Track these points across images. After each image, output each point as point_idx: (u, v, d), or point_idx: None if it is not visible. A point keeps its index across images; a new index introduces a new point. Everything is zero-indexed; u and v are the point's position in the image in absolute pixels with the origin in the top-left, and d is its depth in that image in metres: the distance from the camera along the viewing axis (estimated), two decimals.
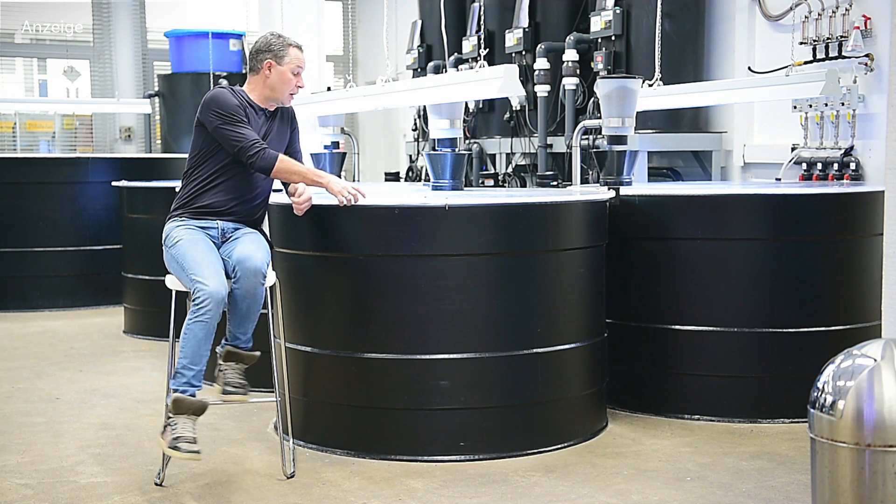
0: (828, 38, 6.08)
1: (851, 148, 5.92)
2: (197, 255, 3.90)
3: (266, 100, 4.18)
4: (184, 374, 3.80)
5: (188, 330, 3.79)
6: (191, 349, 3.79)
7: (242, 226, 4.12)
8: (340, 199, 4.09)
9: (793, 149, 6.35)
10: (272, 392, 4.17)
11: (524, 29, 8.13)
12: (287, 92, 4.17)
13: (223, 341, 4.11)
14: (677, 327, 4.88)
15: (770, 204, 4.90)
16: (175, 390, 3.80)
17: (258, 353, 4.13)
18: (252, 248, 3.95)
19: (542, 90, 7.73)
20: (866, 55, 5.81)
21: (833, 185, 5.70)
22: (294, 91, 4.19)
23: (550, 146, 7.83)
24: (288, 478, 3.99)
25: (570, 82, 7.46)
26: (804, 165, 6.24)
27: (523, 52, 8.15)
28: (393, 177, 10.42)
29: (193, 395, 3.82)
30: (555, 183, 7.10)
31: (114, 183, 7.82)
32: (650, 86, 5.96)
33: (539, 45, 7.83)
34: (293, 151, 4.29)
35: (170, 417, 3.80)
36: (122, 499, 3.79)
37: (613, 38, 7.19)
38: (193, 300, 3.80)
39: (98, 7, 11.50)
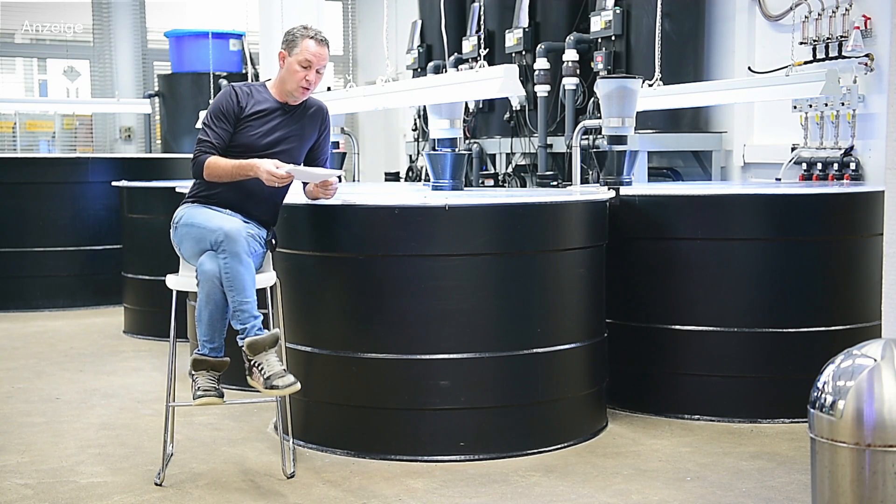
0: (828, 38, 6.08)
1: (851, 148, 5.92)
2: (208, 212, 3.98)
3: (282, 94, 4.13)
4: (244, 311, 3.79)
5: (227, 271, 3.78)
6: (238, 285, 3.78)
7: (251, 223, 4.07)
8: (270, 184, 3.93)
9: (793, 149, 6.35)
10: None
11: (524, 29, 8.13)
12: (296, 84, 4.07)
13: (194, 351, 4.01)
14: (677, 327, 4.88)
15: (770, 204, 4.90)
16: (245, 333, 3.78)
17: (228, 360, 3.98)
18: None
19: (542, 90, 7.73)
20: (866, 55, 5.81)
21: (833, 185, 5.70)
22: (304, 84, 4.07)
23: (550, 146, 7.82)
24: (288, 478, 3.99)
25: (570, 82, 7.47)
26: (804, 165, 6.24)
27: (523, 52, 8.15)
28: (393, 177, 10.42)
29: (261, 329, 3.80)
30: (555, 183, 7.10)
31: (114, 183, 7.81)
32: (650, 86, 5.96)
33: (539, 45, 7.83)
34: (318, 154, 4.22)
35: (251, 360, 3.79)
36: (121, 499, 3.79)
37: (613, 38, 7.19)
38: (216, 245, 3.81)
39: (98, 7, 11.50)
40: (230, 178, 3.99)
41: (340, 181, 4.15)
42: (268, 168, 3.88)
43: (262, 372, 3.77)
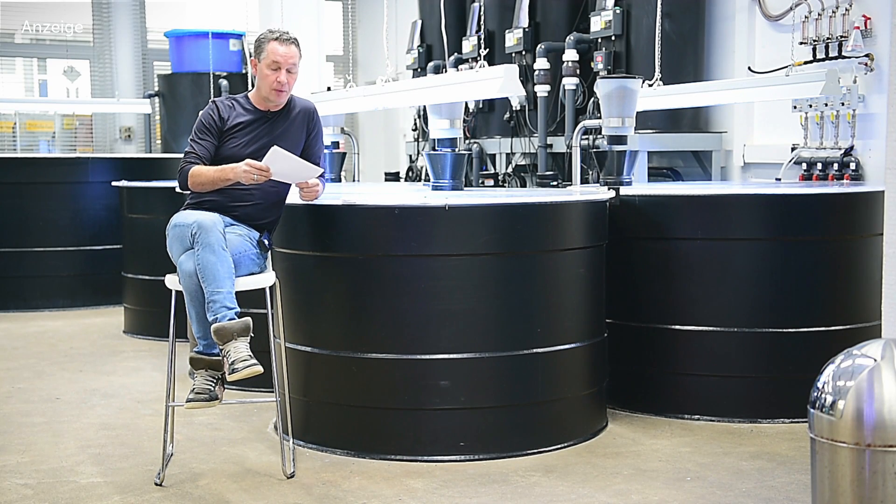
0: (828, 38, 6.08)
1: (851, 148, 5.92)
2: (188, 211, 4.02)
3: (261, 101, 4.17)
4: (216, 302, 3.80)
5: (199, 261, 3.80)
6: (210, 275, 3.79)
7: (239, 224, 4.10)
8: (249, 181, 3.96)
9: (793, 149, 6.35)
10: (272, 392, 4.16)
11: (524, 29, 8.13)
12: (269, 88, 4.09)
13: (192, 350, 4.03)
14: (677, 327, 4.88)
15: (770, 204, 4.90)
16: (215, 320, 3.79)
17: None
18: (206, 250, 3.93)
19: (542, 90, 7.73)
20: (866, 55, 5.81)
21: (833, 185, 5.70)
22: (277, 87, 4.08)
23: (550, 146, 7.83)
24: (288, 478, 3.99)
25: (570, 82, 7.47)
26: (804, 165, 6.24)
27: (523, 52, 8.15)
28: (393, 177, 10.42)
29: (233, 319, 3.79)
30: (555, 183, 7.10)
31: (114, 183, 7.82)
32: (650, 86, 5.96)
33: (539, 45, 7.84)
34: (309, 155, 4.20)
35: (221, 349, 3.81)
36: (122, 499, 3.79)
37: (613, 38, 7.19)
38: (192, 238, 3.83)
39: (98, 7, 11.50)
40: (213, 186, 4.03)
41: (326, 179, 4.13)
42: (245, 166, 3.92)
43: (228, 358, 3.77)
